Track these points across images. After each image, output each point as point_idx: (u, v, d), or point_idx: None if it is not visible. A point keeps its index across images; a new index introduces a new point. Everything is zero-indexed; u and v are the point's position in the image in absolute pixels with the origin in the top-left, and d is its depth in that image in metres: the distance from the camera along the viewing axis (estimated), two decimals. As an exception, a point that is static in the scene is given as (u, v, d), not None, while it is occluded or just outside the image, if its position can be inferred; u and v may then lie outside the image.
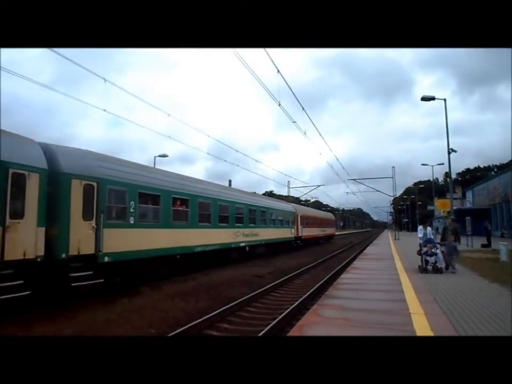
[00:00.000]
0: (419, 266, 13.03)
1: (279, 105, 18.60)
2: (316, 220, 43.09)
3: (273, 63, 15.72)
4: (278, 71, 16.34)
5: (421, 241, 13.25)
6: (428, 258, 12.73)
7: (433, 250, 12.72)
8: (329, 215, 59.23)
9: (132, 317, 9.29)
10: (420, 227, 14.08)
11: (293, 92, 18.34)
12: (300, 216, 35.32)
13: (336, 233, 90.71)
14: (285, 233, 30.81)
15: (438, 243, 13.37)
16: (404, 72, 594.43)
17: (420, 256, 13.18)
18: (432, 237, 13.40)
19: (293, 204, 40.17)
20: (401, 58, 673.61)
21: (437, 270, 12.46)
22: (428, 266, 12.68)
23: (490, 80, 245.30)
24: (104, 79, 14.81)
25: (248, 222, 23.03)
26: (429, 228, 13.90)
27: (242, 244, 21.92)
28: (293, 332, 6.00)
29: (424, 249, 12.87)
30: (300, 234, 34.85)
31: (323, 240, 48.81)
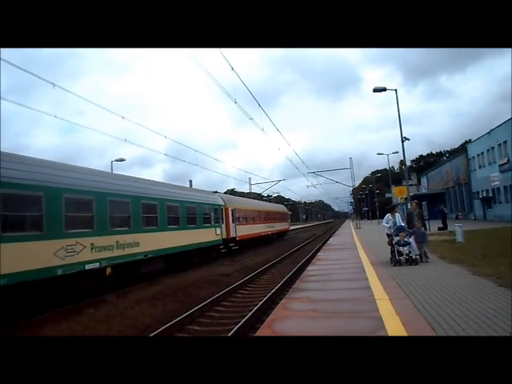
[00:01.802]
0: (391, 258, 11.44)
1: (235, 102, 18.65)
2: (259, 214, 34.27)
3: (227, 61, 15.72)
4: (232, 69, 16.37)
5: (389, 231, 11.97)
6: (401, 249, 11.06)
7: (406, 239, 11.07)
8: (280, 207, 49.04)
9: (99, 327, 9.06)
10: (388, 215, 12.51)
11: (248, 89, 18.46)
12: (232, 210, 27.09)
13: (300, 226, 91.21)
14: (202, 235, 21.50)
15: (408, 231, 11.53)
16: (352, 68, 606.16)
17: (390, 247, 11.61)
18: (403, 224, 11.97)
19: (221, 194, 30.18)
20: (349, 55, 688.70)
21: (411, 261, 10.87)
22: (401, 258, 11.04)
23: (432, 72, 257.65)
24: (53, 84, 14.34)
25: (107, 225, 13.34)
26: (397, 215, 12.36)
27: (92, 265, 12.22)
28: (264, 328, 6.03)
29: (396, 238, 11.18)
30: (233, 235, 26.55)
31: (272, 239, 39.01)
